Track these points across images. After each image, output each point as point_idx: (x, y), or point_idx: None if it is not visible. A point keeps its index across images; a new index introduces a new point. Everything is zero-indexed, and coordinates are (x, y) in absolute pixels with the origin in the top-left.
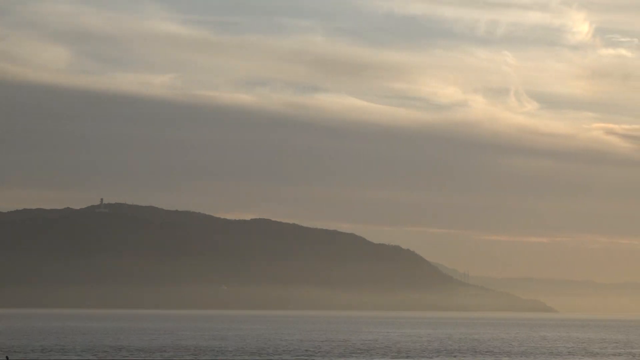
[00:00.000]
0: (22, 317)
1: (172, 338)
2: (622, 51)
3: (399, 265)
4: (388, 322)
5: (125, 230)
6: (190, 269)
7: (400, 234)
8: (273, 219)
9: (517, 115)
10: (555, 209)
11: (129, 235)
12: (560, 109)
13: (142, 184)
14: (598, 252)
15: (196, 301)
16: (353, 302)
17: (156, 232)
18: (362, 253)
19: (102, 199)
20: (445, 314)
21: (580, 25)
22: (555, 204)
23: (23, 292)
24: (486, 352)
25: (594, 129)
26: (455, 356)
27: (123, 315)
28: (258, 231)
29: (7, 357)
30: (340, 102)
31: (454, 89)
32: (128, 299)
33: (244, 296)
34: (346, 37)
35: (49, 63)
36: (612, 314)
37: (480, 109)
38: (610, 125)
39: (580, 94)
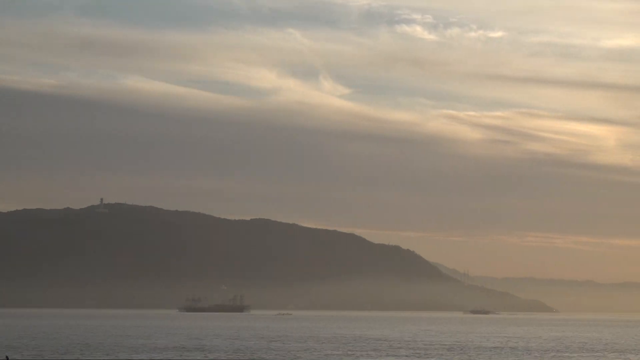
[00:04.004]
0: (22, 316)
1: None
2: (418, 29)
3: (399, 265)
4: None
5: (125, 230)
6: (191, 269)
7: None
8: (273, 219)
9: (336, 100)
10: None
11: (129, 235)
12: (382, 95)
13: (142, 184)
14: (593, 253)
15: None
16: (353, 302)
17: (156, 232)
18: (362, 253)
19: (102, 199)
20: (445, 314)
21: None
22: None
23: (23, 292)
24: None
25: (435, 117)
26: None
27: (123, 315)
28: (258, 231)
29: (7, 357)
30: (152, 87)
31: (263, 72)
32: (128, 299)
33: (244, 296)
34: (104, 15)
35: None
36: (612, 314)
37: (297, 94)
38: (452, 112)
39: (396, 77)
